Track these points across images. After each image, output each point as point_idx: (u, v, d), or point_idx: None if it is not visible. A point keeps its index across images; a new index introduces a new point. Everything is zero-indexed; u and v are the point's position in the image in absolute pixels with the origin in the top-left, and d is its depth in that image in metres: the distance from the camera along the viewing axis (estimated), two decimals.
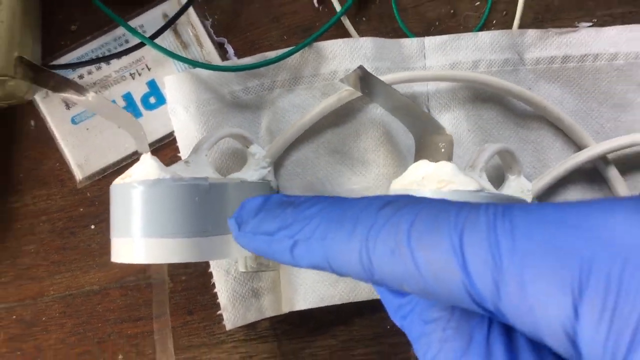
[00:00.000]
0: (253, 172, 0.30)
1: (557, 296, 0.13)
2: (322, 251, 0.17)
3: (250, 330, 0.32)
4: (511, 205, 0.15)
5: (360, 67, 0.26)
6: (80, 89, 0.26)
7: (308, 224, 0.18)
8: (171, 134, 0.32)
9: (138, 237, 0.25)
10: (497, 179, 0.31)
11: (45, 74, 0.26)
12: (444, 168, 0.26)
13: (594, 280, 0.13)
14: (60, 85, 0.26)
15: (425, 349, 0.18)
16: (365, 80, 0.27)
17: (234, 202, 0.26)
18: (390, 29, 0.32)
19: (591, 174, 0.32)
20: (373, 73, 0.28)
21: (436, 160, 0.27)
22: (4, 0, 0.26)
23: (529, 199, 0.30)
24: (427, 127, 0.28)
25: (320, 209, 0.18)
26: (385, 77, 0.30)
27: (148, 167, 0.25)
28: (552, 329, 0.14)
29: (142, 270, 0.32)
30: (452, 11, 0.33)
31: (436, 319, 0.18)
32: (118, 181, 0.26)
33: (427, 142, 0.29)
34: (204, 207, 0.25)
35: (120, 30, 0.32)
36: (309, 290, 0.30)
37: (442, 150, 0.28)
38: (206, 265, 0.32)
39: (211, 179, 0.26)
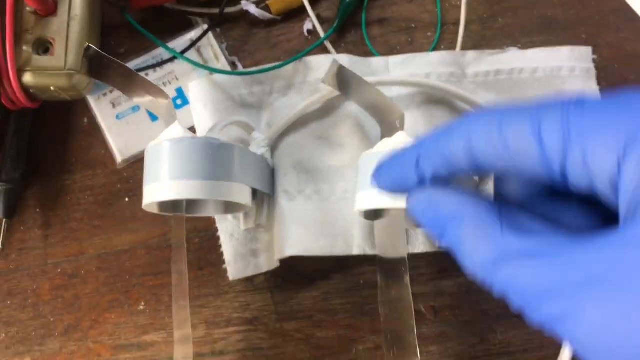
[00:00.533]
0: (256, 150, 0.39)
1: (608, 155, 0.18)
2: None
3: (249, 283, 0.39)
4: (582, 98, 0.20)
5: (334, 61, 0.36)
6: (145, 83, 0.35)
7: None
8: (192, 127, 0.41)
9: (165, 180, 0.33)
10: None
11: (111, 62, 0.35)
12: (399, 136, 0.35)
13: (635, 145, 0.18)
14: (127, 77, 0.35)
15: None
16: (341, 76, 0.37)
17: (239, 160, 0.35)
18: (362, 52, 0.42)
19: None
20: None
21: (393, 134, 0.36)
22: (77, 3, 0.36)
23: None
24: (386, 111, 0.37)
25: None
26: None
27: (175, 130, 0.34)
28: (602, 180, 0.19)
29: (164, 234, 0.40)
30: (409, 39, 0.43)
31: None
32: (152, 143, 0.35)
33: (387, 123, 0.38)
34: (215, 159, 0.34)
35: (157, 52, 0.42)
36: (296, 241, 0.38)
37: (397, 124, 0.37)
38: (215, 230, 0.40)
39: (223, 140, 0.35)
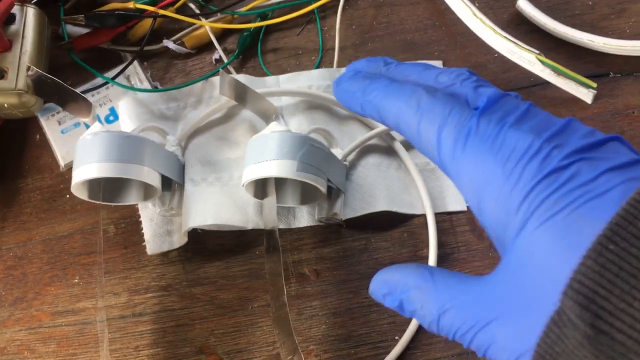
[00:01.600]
0: (168, 148, 0.48)
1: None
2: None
3: (164, 257, 0.48)
4: (472, 117, 0.24)
5: (222, 72, 0.46)
6: (75, 95, 0.46)
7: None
8: None
9: (87, 164, 0.43)
10: None
11: (53, 82, 0.45)
12: (271, 124, 0.45)
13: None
14: (62, 92, 0.46)
15: None
16: (233, 86, 0.47)
17: (149, 150, 0.44)
18: (259, 74, 0.53)
19: (387, 149, 0.50)
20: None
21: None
22: (29, 36, 0.47)
23: (340, 158, 0.47)
24: (268, 111, 0.47)
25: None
26: None
27: (95, 127, 0.44)
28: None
29: (96, 222, 0.49)
30: (297, 62, 0.53)
31: None
32: (80, 138, 0.44)
33: (269, 120, 0.48)
34: (127, 147, 0.43)
35: (96, 81, 0.53)
36: (199, 214, 0.46)
37: (274, 118, 0.47)
38: (138, 216, 0.49)
39: (131, 133, 0.44)
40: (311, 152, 0.43)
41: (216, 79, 0.52)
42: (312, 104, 0.51)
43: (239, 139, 0.50)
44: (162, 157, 0.46)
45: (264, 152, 0.42)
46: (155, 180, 0.45)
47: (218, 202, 0.47)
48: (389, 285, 0.29)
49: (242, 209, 0.47)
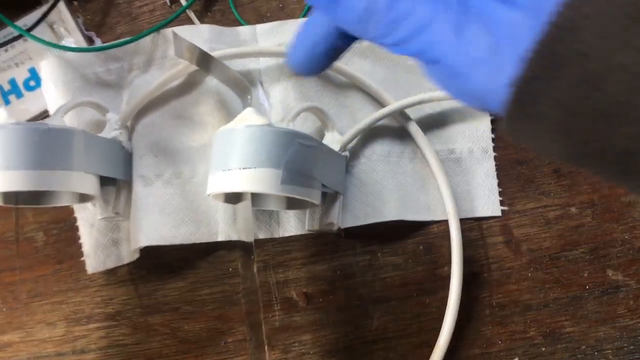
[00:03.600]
0: (107, 133, 0.36)
1: None
2: None
3: (111, 276, 0.37)
4: None
5: (174, 35, 0.33)
6: None
7: None
8: (46, 111, 0.38)
9: None
10: (321, 137, 0.37)
11: None
12: (245, 112, 0.32)
13: None
14: None
15: None
16: (192, 49, 0.34)
17: (80, 146, 0.32)
18: (230, 21, 0.39)
19: (399, 132, 0.38)
20: (210, 52, 0.35)
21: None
22: None
23: (336, 148, 0.35)
24: (241, 88, 0.35)
25: None
26: (218, 53, 0.36)
27: None
28: None
29: (19, 226, 0.38)
30: (280, 5, 0.40)
31: None
32: None
33: (244, 101, 0.35)
34: (45, 147, 0.31)
35: (7, 30, 0.39)
36: (152, 230, 0.35)
37: (249, 101, 0.34)
38: (74, 220, 0.37)
39: (52, 125, 0.32)
40: (300, 154, 0.31)
41: (171, 32, 0.38)
42: None
43: (203, 119, 0.37)
44: (100, 151, 0.34)
45: (235, 156, 0.31)
46: (90, 187, 0.33)
47: (178, 210, 0.36)
48: None
49: (209, 217, 0.36)
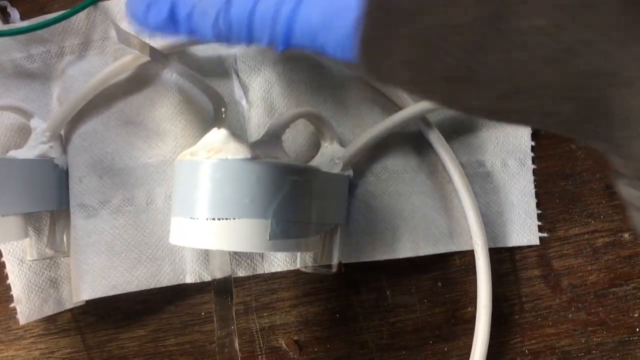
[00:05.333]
0: (32, 148, 0.27)
1: None
2: None
3: (50, 324, 0.30)
4: None
5: (115, 25, 0.23)
6: None
7: None
8: None
9: None
10: (316, 147, 0.29)
11: None
12: (215, 135, 0.24)
13: None
14: None
15: None
16: (151, 49, 0.25)
17: (2, 179, 0.24)
18: None
19: (416, 139, 0.30)
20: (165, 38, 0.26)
21: (219, 127, 0.24)
22: None
23: (337, 170, 0.27)
24: (214, 98, 0.26)
25: None
26: (176, 38, 0.27)
27: None
28: None
29: None
30: None
31: None
32: None
33: (216, 111, 0.26)
34: None
35: None
36: (98, 277, 0.27)
37: (223, 116, 0.25)
38: None
39: None
40: (294, 196, 0.23)
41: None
42: (292, 54, 0.29)
43: (162, 125, 0.28)
44: (23, 182, 0.25)
45: (205, 199, 0.23)
46: (13, 234, 0.25)
47: (131, 246, 0.28)
48: None
49: (174, 253, 0.28)
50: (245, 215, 0.22)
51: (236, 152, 0.23)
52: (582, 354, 0.30)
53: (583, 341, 0.30)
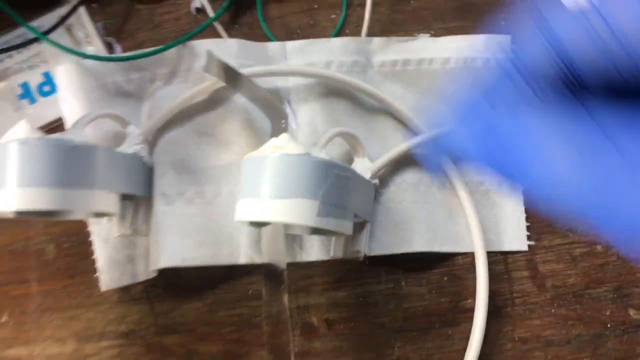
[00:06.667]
0: (128, 147, 0.34)
1: None
2: None
3: (125, 293, 0.36)
4: None
5: (209, 53, 0.31)
6: None
7: None
8: (61, 118, 0.36)
9: (11, 188, 0.29)
10: (349, 162, 0.36)
11: None
12: (280, 138, 0.31)
13: None
14: None
15: None
16: (223, 66, 0.32)
17: (102, 163, 0.31)
18: (258, 35, 0.38)
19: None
20: (237, 68, 0.34)
21: (279, 135, 0.32)
22: None
23: (367, 176, 0.35)
24: (273, 109, 0.33)
25: None
26: (248, 70, 0.35)
27: (20, 129, 0.30)
28: None
29: (29, 237, 0.36)
30: (311, 22, 0.38)
31: None
32: None
33: (276, 124, 0.34)
34: (69, 164, 0.29)
35: (22, 30, 0.37)
36: (172, 251, 0.34)
37: (283, 126, 0.33)
38: (87, 234, 0.36)
39: (78, 141, 0.30)
40: (337, 185, 0.30)
41: (198, 44, 0.37)
42: (331, 89, 0.37)
43: (229, 138, 0.36)
44: (121, 168, 0.32)
45: (269, 183, 0.29)
46: (111, 206, 0.32)
47: (199, 230, 0.35)
48: None
49: (231, 239, 0.35)
50: (299, 195, 0.29)
51: (295, 149, 0.30)
52: (563, 343, 0.36)
53: (563, 332, 0.36)
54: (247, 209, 0.30)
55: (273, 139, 0.31)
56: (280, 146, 0.30)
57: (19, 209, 0.29)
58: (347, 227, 0.31)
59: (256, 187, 0.30)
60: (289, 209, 0.29)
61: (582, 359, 0.36)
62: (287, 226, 0.35)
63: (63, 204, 0.29)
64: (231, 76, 0.33)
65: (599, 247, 0.37)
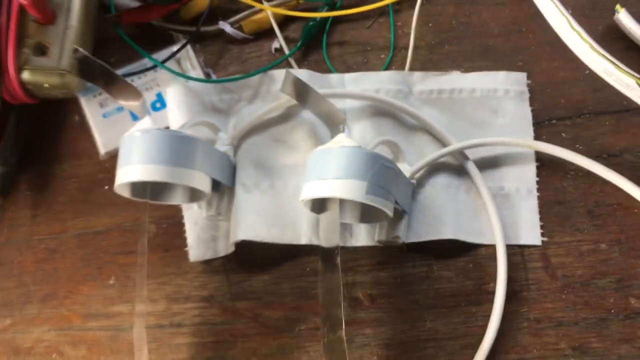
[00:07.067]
0: (219, 147, 0.44)
1: None
2: None
3: (207, 266, 0.44)
4: None
5: (287, 71, 0.41)
6: (124, 83, 0.41)
7: None
8: (167, 128, 0.46)
9: (134, 164, 0.39)
10: None
11: (101, 67, 0.41)
12: (339, 136, 0.40)
13: None
14: (110, 78, 0.41)
15: None
16: (296, 85, 0.42)
17: (201, 152, 0.40)
18: (322, 70, 0.48)
19: (458, 168, 0.45)
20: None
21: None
22: (74, 8, 0.43)
23: (407, 175, 0.43)
24: (333, 117, 0.43)
25: None
26: None
27: (145, 123, 0.40)
28: None
29: (136, 219, 0.45)
30: (364, 60, 0.48)
31: None
32: (126, 134, 0.40)
33: (334, 128, 0.43)
34: (178, 149, 0.39)
35: (143, 62, 0.48)
36: (249, 227, 0.42)
37: (341, 129, 0.42)
38: (181, 217, 0.45)
39: (185, 134, 0.40)
40: (382, 172, 0.38)
41: (276, 73, 0.47)
42: (379, 110, 0.46)
43: (297, 143, 0.45)
44: (214, 159, 0.42)
45: (329, 168, 0.38)
46: (205, 186, 0.41)
47: (270, 214, 0.43)
48: None
49: (295, 222, 0.43)
50: (353, 177, 0.38)
51: (351, 143, 0.39)
52: (572, 324, 0.42)
53: (572, 315, 0.42)
54: (312, 189, 0.39)
55: (335, 137, 0.40)
56: (339, 141, 0.39)
57: (140, 179, 0.38)
58: (389, 207, 0.39)
59: (319, 172, 0.39)
60: (344, 187, 0.38)
61: (589, 338, 0.41)
62: (340, 215, 0.43)
63: (171, 177, 0.39)
64: (301, 90, 0.42)
65: (603, 245, 0.43)
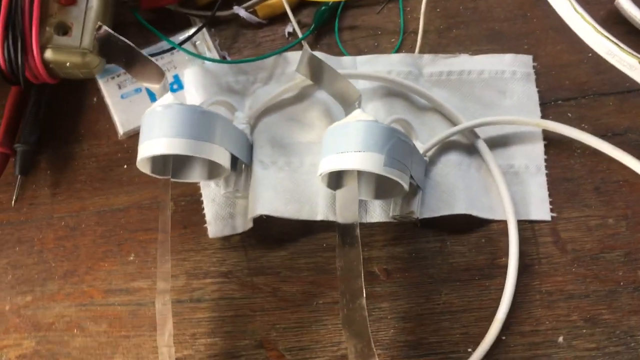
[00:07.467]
0: (236, 125, 0.45)
1: None
2: None
3: (225, 242, 0.45)
4: None
5: (305, 48, 0.42)
6: (146, 60, 0.42)
7: None
8: None
9: (156, 138, 0.39)
10: None
11: (124, 44, 0.42)
12: (355, 112, 0.41)
13: None
14: (132, 56, 0.42)
15: None
16: (312, 64, 0.43)
17: (221, 127, 0.41)
18: (334, 53, 0.49)
19: (468, 147, 0.46)
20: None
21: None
22: None
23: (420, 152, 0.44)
24: (348, 94, 0.44)
25: None
26: None
27: (166, 99, 0.41)
28: None
29: (154, 197, 0.46)
30: (375, 44, 0.50)
31: None
32: (148, 110, 0.41)
33: (349, 106, 0.44)
34: (199, 123, 0.40)
35: (160, 45, 0.49)
36: (267, 202, 0.43)
37: (356, 105, 0.43)
38: (199, 195, 0.46)
39: (205, 109, 0.41)
40: (398, 145, 0.40)
41: (290, 55, 0.48)
42: (391, 91, 0.47)
43: (312, 122, 0.46)
44: (233, 136, 0.43)
45: (347, 142, 0.39)
46: (225, 160, 0.42)
47: (287, 190, 0.44)
48: None
49: (311, 199, 0.44)
50: (371, 150, 0.39)
51: (368, 117, 0.40)
52: (583, 297, 0.43)
53: (583, 288, 0.43)
54: (330, 163, 0.40)
55: (352, 113, 0.41)
56: (356, 116, 0.41)
57: (163, 152, 0.39)
58: (405, 180, 0.40)
59: (337, 146, 0.40)
60: (362, 159, 0.39)
61: (599, 310, 0.43)
62: None
63: (193, 151, 0.39)
64: (316, 69, 0.43)
65: (610, 220, 0.44)
